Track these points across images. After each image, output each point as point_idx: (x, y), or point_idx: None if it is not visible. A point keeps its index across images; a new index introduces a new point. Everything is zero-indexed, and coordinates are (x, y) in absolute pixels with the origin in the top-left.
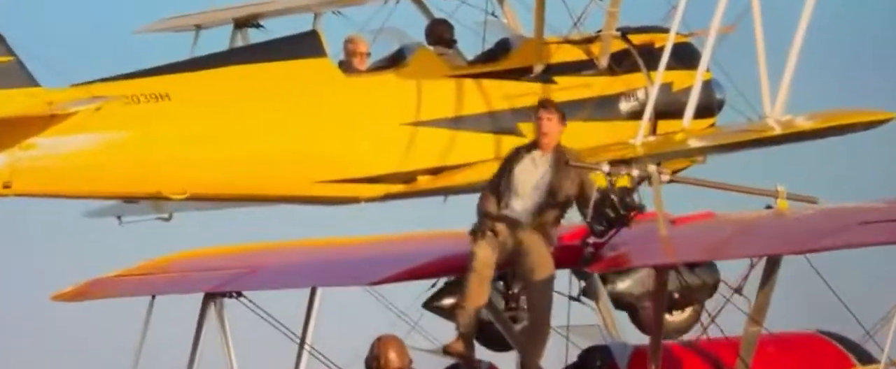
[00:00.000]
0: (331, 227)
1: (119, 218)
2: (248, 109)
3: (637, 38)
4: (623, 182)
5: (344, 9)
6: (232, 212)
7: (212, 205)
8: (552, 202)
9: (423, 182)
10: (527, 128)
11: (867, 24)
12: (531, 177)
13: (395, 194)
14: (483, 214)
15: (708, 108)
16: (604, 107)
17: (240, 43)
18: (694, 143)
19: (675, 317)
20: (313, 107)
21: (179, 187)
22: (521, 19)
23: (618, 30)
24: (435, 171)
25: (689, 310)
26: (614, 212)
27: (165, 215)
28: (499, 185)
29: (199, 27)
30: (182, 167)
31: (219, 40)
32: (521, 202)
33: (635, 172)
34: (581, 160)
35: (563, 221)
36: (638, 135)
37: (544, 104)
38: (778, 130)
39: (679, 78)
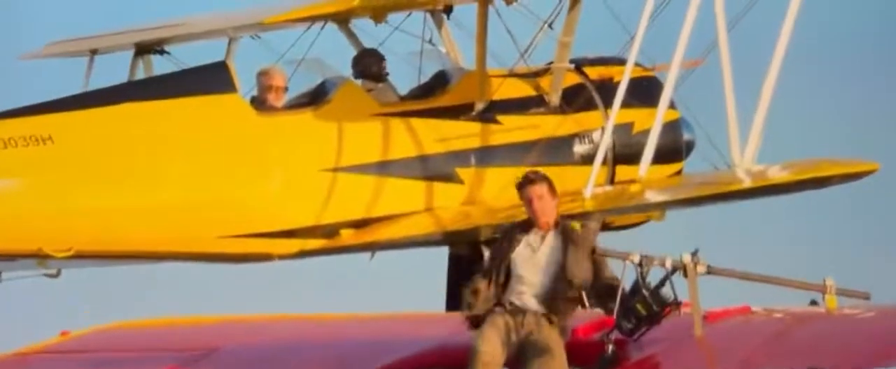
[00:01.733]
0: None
1: None
2: (143, 154)
3: (593, 72)
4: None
5: (263, 34)
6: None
7: (102, 263)
8: (565, 289)
9: (347, 236)
10: (465, 175)
11: (852, 59)
12: (538, 260)
13: (314, 250)
14: (483, 302)
15: (675, 152)
16: (555, 151)
17: (141, 72)
18: (651, 197)
19: None
20: (219, 151)
21: (63, 243)
22: (463, 48)
23: (571, 62)
24: (360, 224)
25: None
26: (645, 308)
27: (53, 271)
28: (496, 271)
29: (94, 52)
30: (67, 220)
31: (117, 68)
32: (530, 290)
33: (669, 262)
34: (587, 237)
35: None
36: (587, 186)
37: (531, 178)
38: (747, 183)
39: (641, 117)
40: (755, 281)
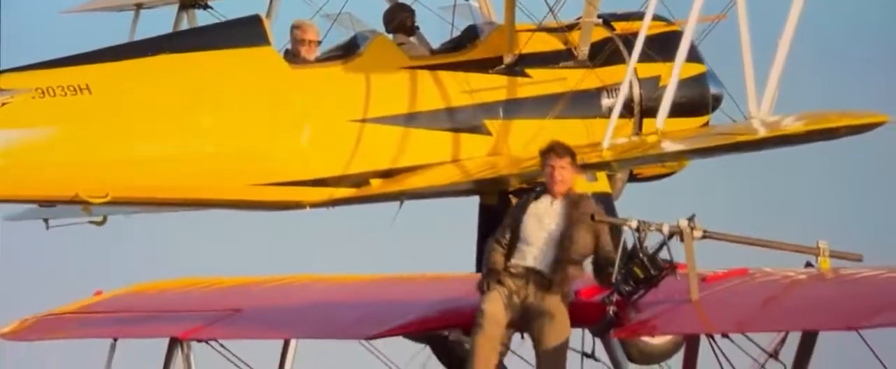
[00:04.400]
0: (291, 229)
1: (46, 221)
2: (177, 104)
3: (621, 26)
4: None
5: None
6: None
7: (138, 209)
8: (568, 256)
9: (376, 185)
10: (494, 127)
11: (866, 15)
12: (543, 227)
13: (344, 199)
14: (491, 266)
15: (701, 105)
16: (582, 103)
17: (185, 26)
18: (668, 147)
19: None
20: (252, 102)
21: (100, 190)
22: (497, 4)
23: (599, 16)
24: (388, 174)
25: None
26: (643, 271)
27: (98, 219)
28: (506, 236)
29: (139, 7)
30: (102, 168)
31: (162, 22)
32: (534, 255)
33: (666, 228)
34: (596, 208)
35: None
36: (606, 137)
37: (555, 149)
38: (763, 132)
39: (668, 71)
40: (751, 245)
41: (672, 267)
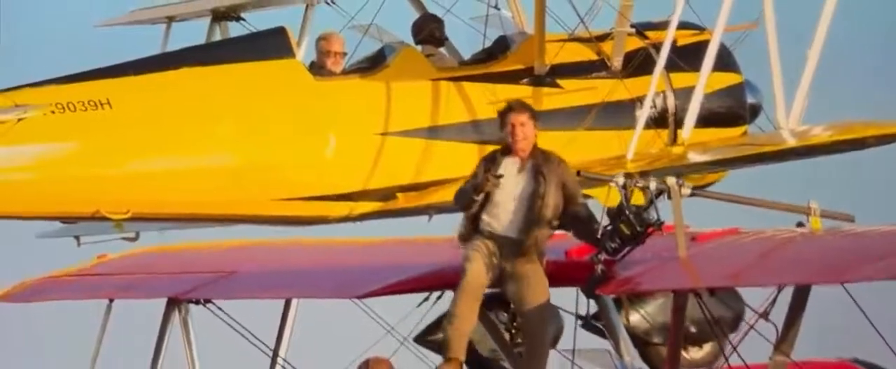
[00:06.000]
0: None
1: (77, 239)
2: (201, 118)
3: (655, 35)
4: (638, 196)
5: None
6: None
7: (168, 225)
8: (539, 215)
9: (402, 199)
10: None
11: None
12: (512, 186)
13: (370, 213)
14: (469, 226)
15: (737, 116)
16: (615, 114)
17: (218, 38)
18: (694, 158)
19: (693, 354)
20: (276, 115)
21: (121, 206)
22: (528, 14)
23: (633, 26)
24: (415, 188)
25: (709, 345)
26: (629, 228)
27: (131, 234)
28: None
29: (171, 19)
30: (123, 183)
31: (195, 34)
32: (505, 218)
33: (653, 184)
34: (563, 164)
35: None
36: (629, 148)
37: (512, 107)
38: (792, 142)
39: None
40: (740, 204)
41: (659, 224)
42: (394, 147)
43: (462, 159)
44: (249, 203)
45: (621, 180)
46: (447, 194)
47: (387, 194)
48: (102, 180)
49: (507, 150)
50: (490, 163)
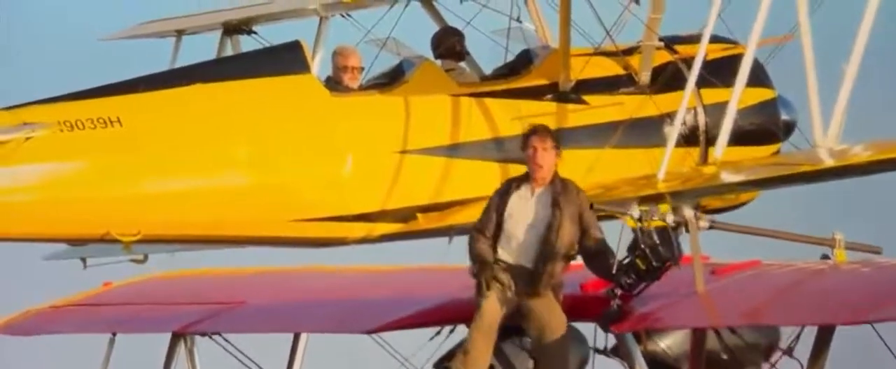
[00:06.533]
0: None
1: (83, 261)
2: (213, 137)
3: (685, 49)
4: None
5: (354, 13)
6: None
7: (178, 247)
8: (555, 247)
9: (423, 220)
10: None
11: None
12: (527, 216)
13: (390, 235)
14: (482, 258)
15: (770, 133)
16: (643, 132)
17: (229, 52)
18: (727, 178)
19: None
20: (292, 133)
21: (131, 228)
22: (552, 25)
23: (661, 39)
24: (436, 208)
25: None
26: (645, 263)
27: (139, 256)
28: (490, 226)
29: (181, 33)
30: (133, 204)
31: (205, 49)
32: (520, 250)
33: (670, 217)
34: (581, 194)
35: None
36: (661, 168)
37: (536, 130)
38: (828, 163)
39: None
40: (761, 236)
41: (677, 256)
42: (414, 165)
43: (484, 178)
44: (264, 224)
45: (636, 213)
46: (469, 215)
47: (407, 215)
48: (112, 201)
49: (526, 177)
50: (504, 195)
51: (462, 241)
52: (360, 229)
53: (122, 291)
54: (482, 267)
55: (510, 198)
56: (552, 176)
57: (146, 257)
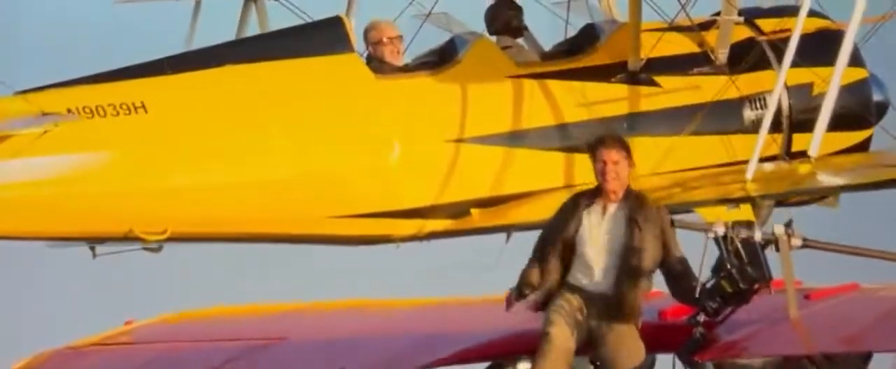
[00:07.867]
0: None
1: (93, 249)
2: (246, 124)
3: (767, 25)
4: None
5: None
6: None
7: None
8: (636, 270)
9: (477, 216)
10: None
11: None
12: (602, 238)
13: (441, 232)
14: (521, 281)
15: (861, 116)
16: (721, 116)
17: (253, 20)
18: (825, 180)
19: None
20: (333, 119)
21: (158, 225)
22: None
23: (741, 13)
24: (492, 202)
25: None
26: (731, 286)
27: (154, 245)
28: (557, 247)
29: None
30: (161, 199)
31: (226, 14)
32: (594, 272)
33: (759, 235)
34: (660, 210)
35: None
36: (750, 166)
37: (605, 141)
38: None
39: (823, 77)
40: (859, 256)
41: (767, 278)
42: (468, 155)
43: (546, 169)
44: (303, 220)
45: (722, 230)
46: (528, 211)
47: (460, 210)
48: (136, 195)
49: (595, 192)
50: (571, 214)
51: (521, 239)
52: (407, 226)
53: (145, 331)
54: (519, 284)
55: (579, 216)
56: (625, 190)
57: (161, 247)
